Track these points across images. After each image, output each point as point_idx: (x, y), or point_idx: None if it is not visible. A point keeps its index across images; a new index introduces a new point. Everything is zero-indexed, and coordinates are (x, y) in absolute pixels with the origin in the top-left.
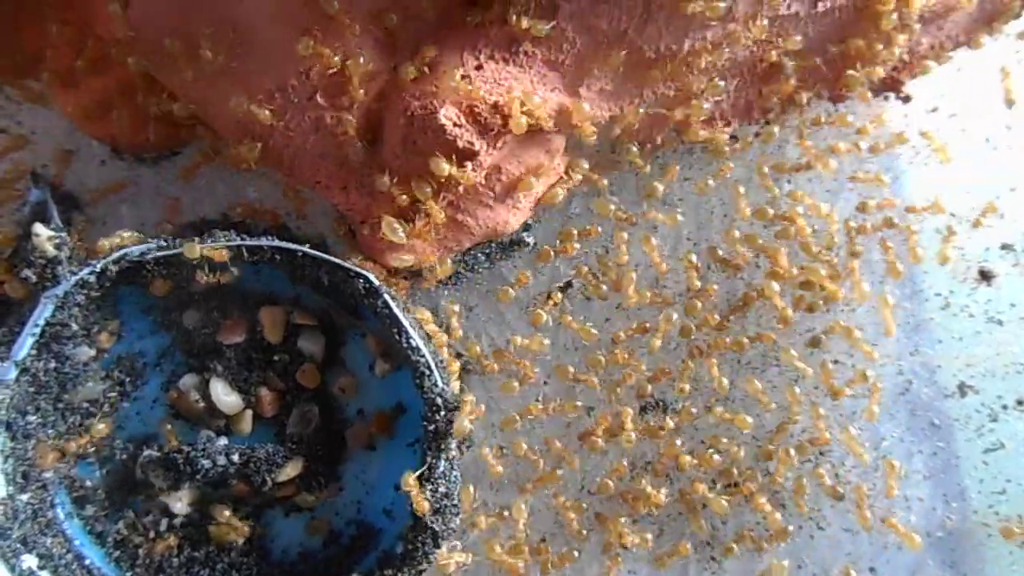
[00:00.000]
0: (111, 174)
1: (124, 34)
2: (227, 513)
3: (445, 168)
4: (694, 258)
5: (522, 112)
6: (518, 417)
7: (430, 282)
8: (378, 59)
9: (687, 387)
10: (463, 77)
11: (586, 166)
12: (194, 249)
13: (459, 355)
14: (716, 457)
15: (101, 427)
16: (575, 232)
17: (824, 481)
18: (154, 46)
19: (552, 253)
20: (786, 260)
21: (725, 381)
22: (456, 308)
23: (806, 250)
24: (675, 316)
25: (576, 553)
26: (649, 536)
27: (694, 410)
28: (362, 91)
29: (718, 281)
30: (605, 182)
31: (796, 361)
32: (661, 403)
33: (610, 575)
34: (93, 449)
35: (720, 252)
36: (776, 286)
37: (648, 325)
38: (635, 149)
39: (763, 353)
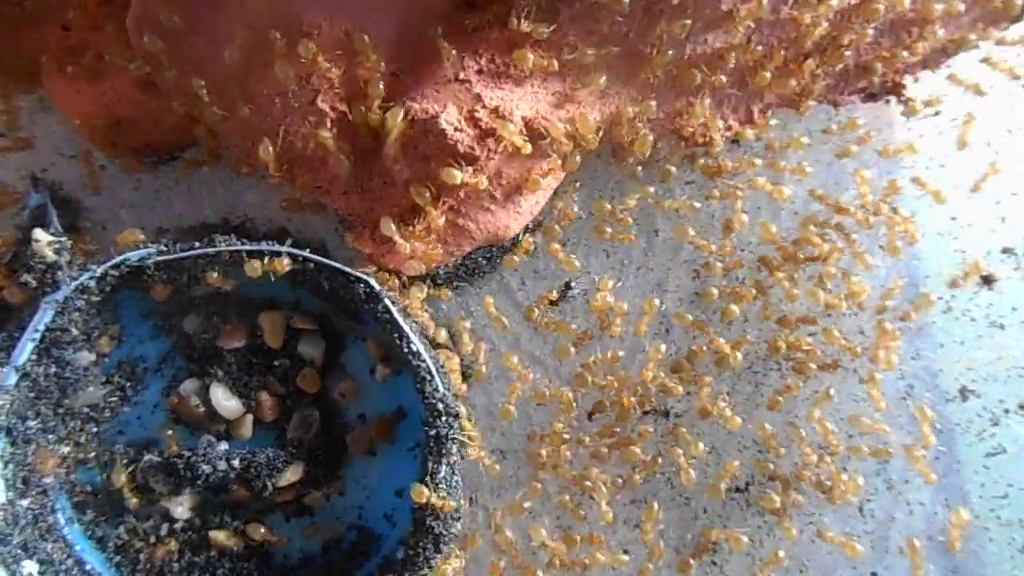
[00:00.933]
0: (111, 179)
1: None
2: (263, 531)
3: (457, 176)
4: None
5: (545, 131)
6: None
7: (413, 303)
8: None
9: (679, 388)
10: (462, 81)
11: (579, 159)
12: (255, 268)
13: (460, 359)
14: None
15: (122, 478)
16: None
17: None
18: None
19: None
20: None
21: (740, 356)
22: (458, 312)
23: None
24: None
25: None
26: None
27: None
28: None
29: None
30: (616, 229)
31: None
32: (662, 407)
33: None
34: (93, 454)
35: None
36: (840, 338)
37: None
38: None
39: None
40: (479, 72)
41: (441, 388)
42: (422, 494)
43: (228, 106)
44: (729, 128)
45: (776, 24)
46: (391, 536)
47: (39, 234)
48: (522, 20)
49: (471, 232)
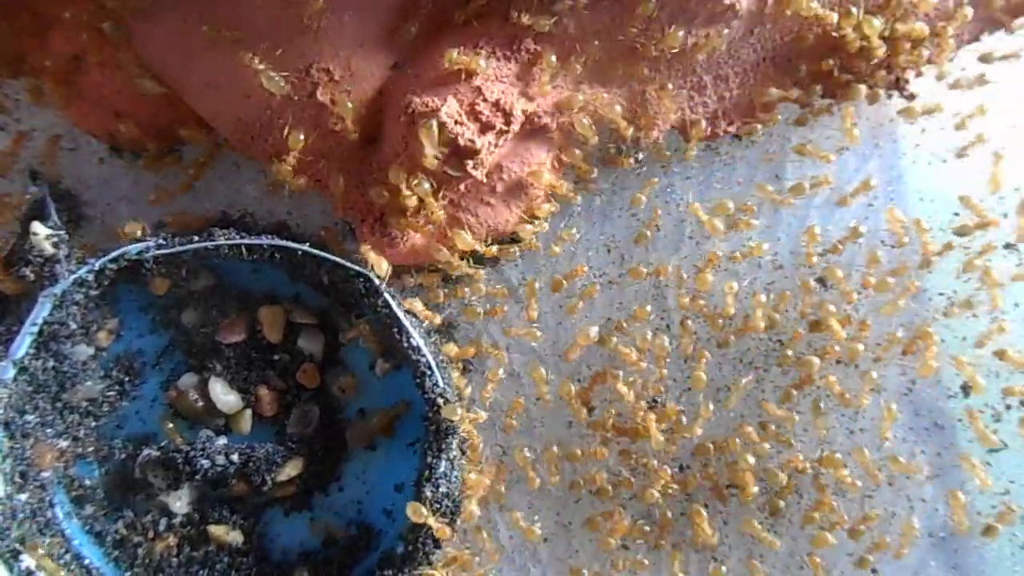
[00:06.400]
0: (110, 172)
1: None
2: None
3: (428, 150)
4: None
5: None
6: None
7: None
8: (378, 56)
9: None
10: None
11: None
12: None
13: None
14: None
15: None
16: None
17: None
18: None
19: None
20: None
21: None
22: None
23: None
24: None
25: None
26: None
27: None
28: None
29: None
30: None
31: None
32: (662, 401)
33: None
34: (92, 449)
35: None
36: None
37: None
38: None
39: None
40: None
41: (441, 383)
42: (420, 513)
43: (224, 100)
44: (731, 123)
45: (779, 19)
46: (390, 531)
47: (37, 227)
48: (523, 13)
49: (471, 226)
